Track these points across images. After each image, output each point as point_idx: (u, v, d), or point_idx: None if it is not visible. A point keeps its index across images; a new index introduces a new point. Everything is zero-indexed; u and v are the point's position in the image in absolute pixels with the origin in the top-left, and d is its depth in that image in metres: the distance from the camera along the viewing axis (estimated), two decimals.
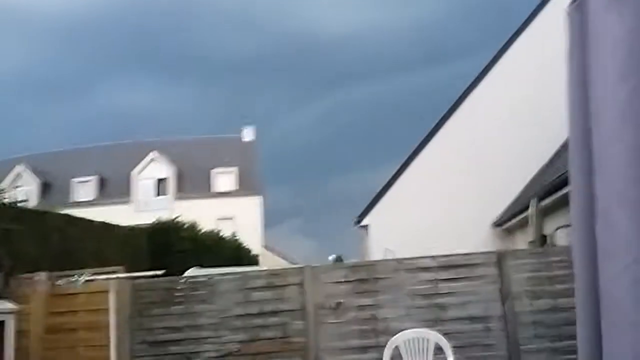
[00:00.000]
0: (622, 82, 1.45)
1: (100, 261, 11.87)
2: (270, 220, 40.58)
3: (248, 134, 45.08)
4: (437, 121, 17.32)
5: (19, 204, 10.38)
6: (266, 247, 38.39)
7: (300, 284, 6.87)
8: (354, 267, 7.13)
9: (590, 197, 1.62)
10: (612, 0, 1.46)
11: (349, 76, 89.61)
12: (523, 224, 13.41)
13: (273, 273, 7.28)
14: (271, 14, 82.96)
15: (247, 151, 42.42)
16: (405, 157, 17.34)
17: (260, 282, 7.05)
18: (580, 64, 1.51)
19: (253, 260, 22.34)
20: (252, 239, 30.05)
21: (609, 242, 1.56)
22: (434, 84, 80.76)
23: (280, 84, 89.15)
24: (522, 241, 13.49)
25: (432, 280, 6.67)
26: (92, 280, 6.06)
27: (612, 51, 1.44)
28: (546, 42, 16.51)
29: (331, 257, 21.07)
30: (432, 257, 6.78)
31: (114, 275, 6.20)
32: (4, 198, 9.33)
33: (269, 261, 30.36)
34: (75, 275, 5.98)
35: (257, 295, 6.94)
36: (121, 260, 12.09)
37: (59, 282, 6.09)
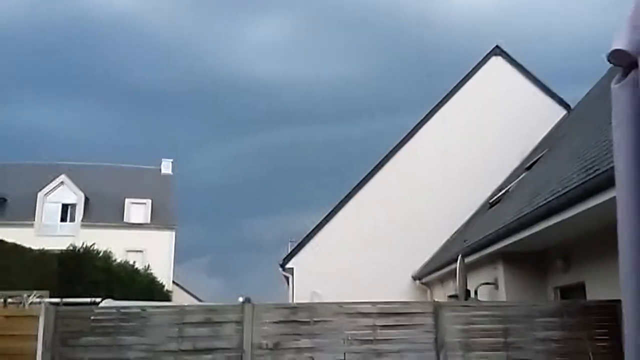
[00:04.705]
0: None
1: (6, 284, 11.04)
2: (178, 256, 39.30)
3: (166, 167, 44.10)
4: (364, 174, 17.91)
5: None
6: (175, 283, 37.08)
7: (239, 322, 6.76)
8: (295, 308, 7.12)
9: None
10: None
11: (273, 121, 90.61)
12: (442, 279, 13.95)
13: (211, 309, 7.12)
14: (202, 50, 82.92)
15: (164, 184, 41.34)
16: (331, 207, 17.69)
17: (197, 318, 6.87)
18: (627, 134, 1.72)
19: (165, 296, 21.49)
20: (162, 274, 28.96)
21: None
22: (354, 138, 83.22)
23: (202, 120, 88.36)
24: (440, 295, 13.99)
25: (371, 326, 6.78)
26: (35, 303, 5.66)
27: None
28: (465, 113, 17.82)
29: (240, 299, 20.77)
30: (373, 303, 6.91)
31: (45, 299, 5.82)
32: None
33: (179, 298, 29.24)
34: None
35: (192, 331, 6.75)
36: (28, 285, 11.31)
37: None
